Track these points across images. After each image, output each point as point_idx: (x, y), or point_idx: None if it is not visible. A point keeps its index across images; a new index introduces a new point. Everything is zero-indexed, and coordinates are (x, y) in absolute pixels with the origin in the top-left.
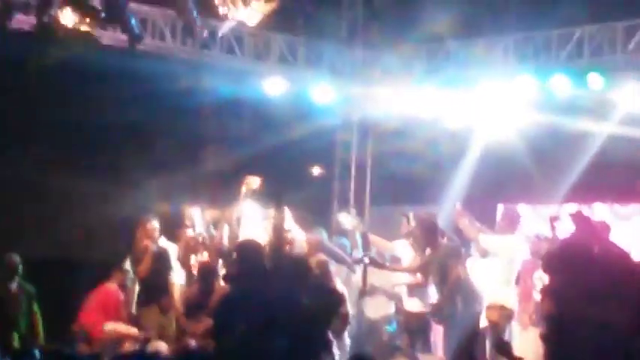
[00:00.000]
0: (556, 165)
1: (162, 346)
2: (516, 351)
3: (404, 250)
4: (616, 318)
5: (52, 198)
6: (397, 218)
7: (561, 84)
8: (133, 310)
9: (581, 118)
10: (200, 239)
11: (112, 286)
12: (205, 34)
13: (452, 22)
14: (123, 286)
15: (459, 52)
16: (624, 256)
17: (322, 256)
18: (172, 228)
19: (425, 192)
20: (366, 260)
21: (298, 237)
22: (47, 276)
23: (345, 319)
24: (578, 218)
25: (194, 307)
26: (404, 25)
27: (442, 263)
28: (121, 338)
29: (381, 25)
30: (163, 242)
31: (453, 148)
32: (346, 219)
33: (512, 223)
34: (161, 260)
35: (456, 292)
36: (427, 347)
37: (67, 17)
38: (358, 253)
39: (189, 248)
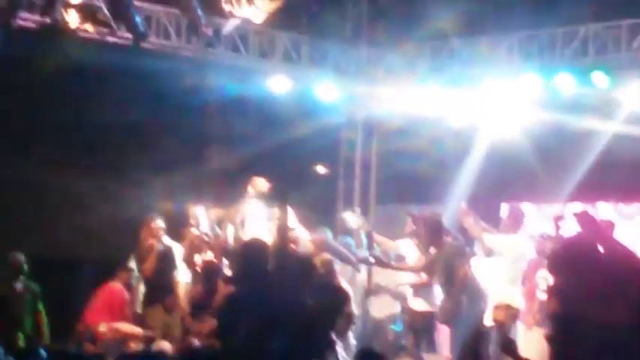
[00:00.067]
0: (561, 164)
1: (166, 346)
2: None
3: (409, 249)
4: (621, 318)
5: (56, 197)
6: (402, 217)
7: (566, 82)
8: (138, 309)
9: (586, 116)
10: (205, 238)
11: (116, 285)
12: (210, 32)
13: (456, 21)
14: (128, 286)
15: (464, 50)
16: (629, 255)
17: (327, 255)
18: (177, 227)
19: (430, 191)
20: (371, 259)
21: (302, 236)
22: (51, 275)
23: (349, 318)
24: (583, 217)
25: (198, 306)
26: (408, 24)
27: (448, 262)
28: (126, 338)
29: (385, 24)
30: (168, 241)
31: (457, 147)
32: (351, 218)
33: (517, 221)
34: (166, 259)
35: (463, 292)
36: (432, 347)
37: (72, 16)
38: (363, 253)
39: (193, 247)
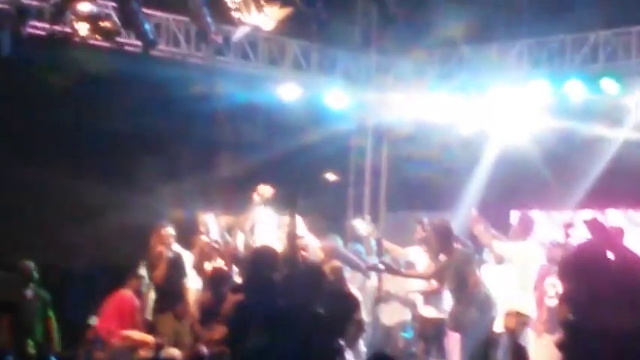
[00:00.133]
0: (570, 170)
1: (176, 353)
2: (532, 358)
3: (418, 256)
4: (632, 325)
5: (66, 205)
6: (412, 224)
7: (576, 89)
8: (149, 316)
9: (596, 123)
10: (214, 246)
11: (127, 292)
12: (219, 39)
13: (465, 28)
14: (138, 293)
15: (473, 57)
16: (638, 262)
17: (336, 263)
18: (187, 234)
19: (439, 198)
20: (381, 266)
21: (312, 244)
22: (62, 283)
23: (360, 325)
24: (593, 225)
25: (207, 313)
26: (418, 31)
27: (459, 269)
28: (136, 345)
29: (394, 31)
30: (178, 248)
31: (467, 154)
32: (361, 225)
33: (527, 229)
34: (176, 267)
35: (474, 299)
36: (442, 354)
37: (82, 24)
38: (373, 260)
39: (203, 255)
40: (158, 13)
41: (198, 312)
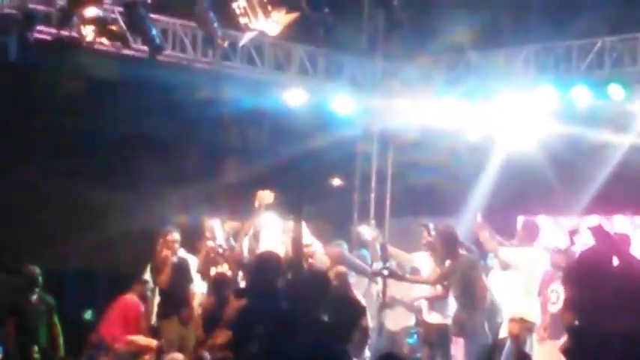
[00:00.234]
0: (577, 176)
1: (179, 357)
2: None
3: (424, 262)
4: (636, 331)
5: (72, 210)
6: (417, 229)
7: (582, 95)
8: (153, 321)
9: (602, 129)
10: (220, 251)
11: (132, 297)
12: (226, 44)
13: (472, 33)
14: (143, 298)
15: (480, 63)
16: None
17: (341, 268)
18: (192, 239)
19: (445, 203)
20: (385, 272)
21: (319, 250)
22: (67, 288)
23: (365, 331)
24: (598, 231)
25: (210, 319)
26: (424, 37)
27: (464, 275)
28: (140, 350)
29: (401, 37)
30: (183, 253)
31: (473, 159)
32: (366, 230)
33: (531, 235)
34: (181, 271)
35: (481, 304)
36: (447, 359)
37: (88, 29)
38: (378, 265)
39: (209, 260)
40: (165, 19)
41: (202, 317)
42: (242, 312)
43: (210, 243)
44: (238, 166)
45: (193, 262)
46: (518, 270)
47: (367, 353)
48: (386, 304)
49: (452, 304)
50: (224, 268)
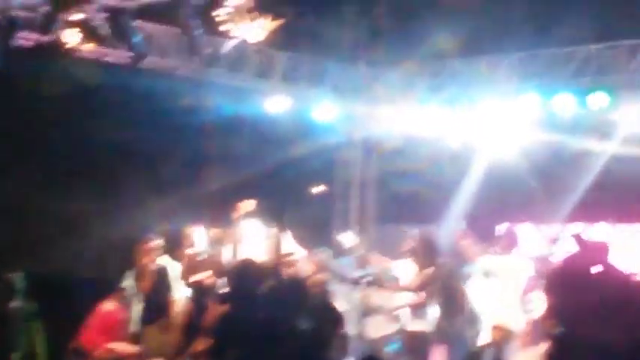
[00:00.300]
0: (559, 184)
1: None
2: None
3: (405, 269)
4: (619, 338)
5: (53, 217)
6: (399, 237)
7: (565, 103)
8: (134, 328)
9: (585, 137)
10: (202, 258)
11: (112, 304)
12: (209, 51)
13: (455, 41)
14: (123, 305)
15: (463, 70)
16: (624, 277)
17: (321, 275)
18: (174, 247)
19: (427, 211)
20: (366, 280)
21: (302, 259)
22: (48, 295)
23: (345, 338)
24: (579, 240)
25: (189, 325)
26: (407, 44)
27: (446, 283)
28: (121, 357)
29: (384, 44)
30: (165, 261)
31: (455, 167)
32: (347, 238)
33: (511, 243)
34: (162, 279)
35: (460, 312)
36: None
37: (71, 35)
38: (359, 273)
39: (191, 267)
40: (148, 25)
41: (181, 324)
42: (223, 319)
43: (191, 250)
44: (220, 174)
45: (175, 269)
46: (499, 278)
47: None
48: (367, 311)
49: (433, 312)
50: (206, 276)
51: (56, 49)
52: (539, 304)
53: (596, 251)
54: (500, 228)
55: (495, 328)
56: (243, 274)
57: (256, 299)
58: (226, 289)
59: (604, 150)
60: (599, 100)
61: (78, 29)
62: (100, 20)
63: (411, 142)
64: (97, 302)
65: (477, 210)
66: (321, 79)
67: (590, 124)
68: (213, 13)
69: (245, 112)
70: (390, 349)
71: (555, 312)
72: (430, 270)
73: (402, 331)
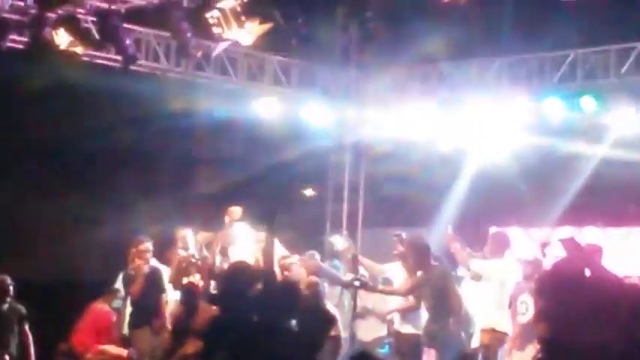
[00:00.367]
0: (549, 188)
1: None
2: None
3: (396, 273)
4: (609, 342)
5: (43, 220)
6: (390, 240)
7: (554, 107)
8: (125, 331)
9: (574, 140)
10: (192, 261)
11: (103, 306)
12: (199, 55)
13: (445, 44)
14: (114, 307)
15: (453, 73)
16: (615, 281)
17: (313, 278)
18: (164, 250)
19: (417, 214)
20: (357, 283)
21: (295, 263)
22: (39, 297)
23: (337, 341)
24: (569, 244)
25: (179, 328)
26: (398, 47)
27: (437, 286)
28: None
29: (374, 47)
30: (155, 263)
31: (445, 171)
32: (338, 241)
33: (500, 246)
34: (153, 281)
35: (451, 315)
36: None
37: (61, 37)
38: (349, 276)
39: (181, 270)
40: (138, 28)
41: (171, 327)
42: (213, 321)
43: (182, 253)
44: (211, 177)
45: (166, 272)
46: (489, 281)
47: None
48: (358, 314)
49: (424, 315)
50: (196, 278)
51: (46, 51)
52: (529, 307)
53: (589, 254)
54: (490, 231)
55: (484, 331)
56: (234, 277)
57: (247, 302)
58: (217, 292)
59: (594, 154)
60: (588, 103)
61: (68, 32)
62: (89, 23)
63: (401, 146)
64: (88, 304)
65: (466, 213)
66: (311, 82)
67: (579, 127)
68: (204, 17)
69: (235, 116)
70: (380, 351)
71: (546, 315)
72: (420, 274)
73: (392, 334)
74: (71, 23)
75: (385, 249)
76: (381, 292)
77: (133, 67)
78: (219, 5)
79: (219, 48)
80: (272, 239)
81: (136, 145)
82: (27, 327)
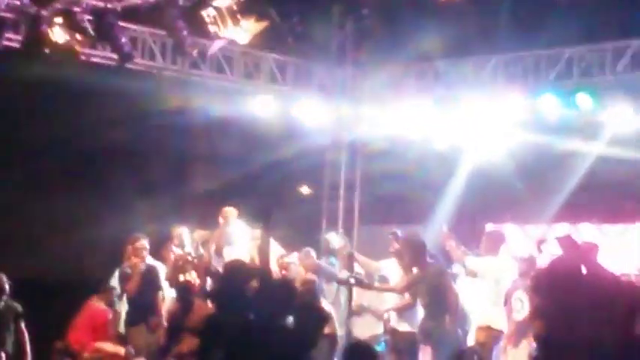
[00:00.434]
0: (545, 185)
1: None
2: None
3: (392, 270)
4: (605, 339)
5: (40, 218)
6: (386, 238)
7: (550, 104)
8: (121, 328)
9: (570, 138)
10: (188, 259)
11: (99, 304)
12: (195, 53)
13: (441, 42)
14: (110, 304)
15: (449, 71)
16: (611, 278)
17: (309, 276)
18: (161, 248)
19: (413, 212)
20: (352, 281)
21: (294, 261)
22: (35, 295)
23: (333, 339)
24: (565, 241)
25: (174, 326)
26: (393, 45)
27: (432, 283)
28: (107, 357)
29: (370, 45)
30: (152, 261)
31: (441, 168)
32: (334, 239)
33: (495, 244)
34: (150, 279)
35: (447, 312)
36: None
37: (57, 35)
38: (345, 273)
39: (177, 268)
40: (134, 26)
41: (167, 324)
42: (209, 319)
43: (178, 251)
44: (207, 175)
45: (162, 269)
46: (485, 278)
47: None
48: (354, 312)
49: (420, 313)
50: (192, 276)
51: (42, 49)
52: (524, 304)
53: (585, 252)
54: (486, 228)
55: (480, 329)
56: (230, 275)
57: (243, 299)
58: (212, 290)
59: (590, 151)
60: (584, 101)
61: (64, 28)
62: (86, 21)
63: (397, 143)
64: (84, 302)
65: (462, 211)
66: (307, 80)
67: (575, 125)
68: (199, 15)
69: (231, 113)
70: (377, 349)
71: (542, 313)
72: (415, 271)
73: (389, 332)
74: (67, 19)
75: (381, 246)
76: (377, 289)
77: (128, 65)
78: (214, 3)
79: (215, 46)
80: (268, 237)
81: (132, 143)
82: (23, 325)
